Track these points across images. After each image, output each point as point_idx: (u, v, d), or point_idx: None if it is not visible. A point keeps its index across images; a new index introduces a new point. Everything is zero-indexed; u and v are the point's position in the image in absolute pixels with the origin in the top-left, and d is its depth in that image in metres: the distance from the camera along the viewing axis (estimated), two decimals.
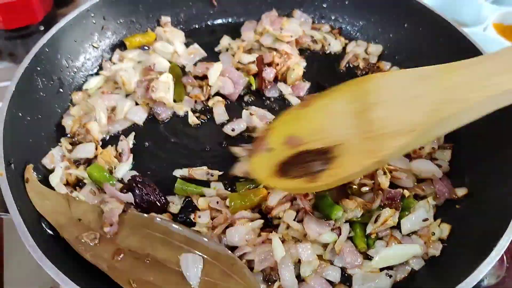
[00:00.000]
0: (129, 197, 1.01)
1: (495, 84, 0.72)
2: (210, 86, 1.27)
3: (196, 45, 1.39)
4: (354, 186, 1.04)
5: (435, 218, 1.04)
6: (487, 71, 0.74)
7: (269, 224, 1.02)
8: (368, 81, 0.81)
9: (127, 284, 0.89)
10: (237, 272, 0.92)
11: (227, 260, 0.93)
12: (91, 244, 0.93)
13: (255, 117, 1.20)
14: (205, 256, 0.93)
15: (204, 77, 1.29)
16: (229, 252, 0.95)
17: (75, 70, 1.26)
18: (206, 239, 0.96)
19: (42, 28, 1.82)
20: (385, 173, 1.05)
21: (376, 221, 0.99)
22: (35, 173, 1.01)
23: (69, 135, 1.15)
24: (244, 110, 1.24)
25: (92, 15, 1.29)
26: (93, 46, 1.32)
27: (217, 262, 0.93)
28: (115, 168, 1.10)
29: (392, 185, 1.06)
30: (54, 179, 1.04)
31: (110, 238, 0.95)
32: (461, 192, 1.07)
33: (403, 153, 0.90)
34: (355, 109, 0.78)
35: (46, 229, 0.92)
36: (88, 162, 1.10)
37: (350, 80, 0.85)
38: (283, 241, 0.96)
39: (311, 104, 0.86)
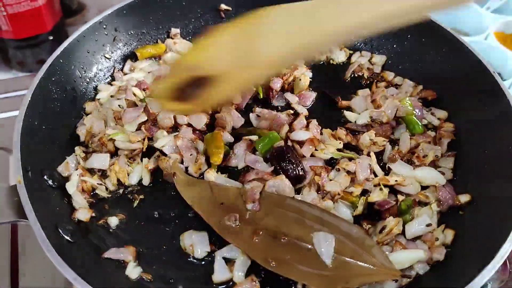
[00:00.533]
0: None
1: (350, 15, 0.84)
2: None
3: None
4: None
5: (439, 224, 1.06)
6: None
7: None
8: (255, 17, 0.91)
9: (266, 262, 0.95)
10: (368, 250, 0.96)
11: (357, 238, 0.97)
12: (232, 225, 1.00)
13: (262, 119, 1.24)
14: (336, 235, 0.97)
15: None
16: (360, 230, 0.99)
17: (88, 80, 1.29)
18: (335, 217, 1.01)
19: (51, 37, 1.85)
20: (381, 189, 1.09)
21: (381, 231, 1.02)
22: (50, 180, 1.05)
23: (83, 143, 1.18)
24: (251, 113, 1.27)
25: (104, 26, 1.32)
26: (105, 57, 1.35)
27: (347, 240, 0.97)
28: (128, 175, 1.13)
29: (396, 191, 1.10)
30: (71, 188, 1.07)
31: (248, 219, 1.02)
32: (464, 198, 1.08)
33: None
34: (241, 41, 0.88)
35: (63, 235, 0.95)
36: (103, 171, 1.13)
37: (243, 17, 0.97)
38: None
39: (209, 36, 0.93)
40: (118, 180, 1.12)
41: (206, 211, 1.03)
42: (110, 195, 1.11)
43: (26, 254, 1.13)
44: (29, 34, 1.79)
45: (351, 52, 1.47)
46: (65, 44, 1.22)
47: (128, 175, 1.13)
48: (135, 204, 1.10)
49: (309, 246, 0.97)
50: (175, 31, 1.45)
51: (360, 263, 0.95)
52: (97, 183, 1.10)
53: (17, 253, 1.13)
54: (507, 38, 1.92)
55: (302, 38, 0.85)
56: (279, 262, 0.94)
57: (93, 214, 1.06)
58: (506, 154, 1.06)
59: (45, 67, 1.15)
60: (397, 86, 1.38)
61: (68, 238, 0.96)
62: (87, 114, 1.24)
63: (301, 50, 0.88)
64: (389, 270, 0.95)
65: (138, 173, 1.14)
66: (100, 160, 1.13)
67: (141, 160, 1.16)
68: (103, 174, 1.13)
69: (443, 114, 1.27)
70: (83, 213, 1.05)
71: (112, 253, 0.99)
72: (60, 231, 0.95)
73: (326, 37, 0.85)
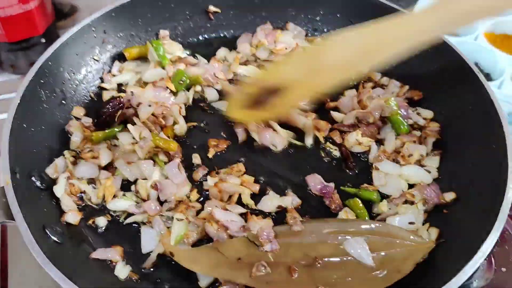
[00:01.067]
0: None
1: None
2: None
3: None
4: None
5: (423, 223, 1.07)
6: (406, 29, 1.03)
7: None
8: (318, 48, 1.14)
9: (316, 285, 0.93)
10: (395, 235, 1.00)
11: (380, 231, 1.01)
12: (263, 274, 0.94)
13: None
14: (363, 236, 0.99)
15: None
16: (377, 222, 1.03)
17: (77, 82, 1.30)
18: (349, 221, 1.05)
19: (43, 40, 1.85)
20: None
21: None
22: (38, 181, 1.06)
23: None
24: None
25: (93, 29, 1.33)
26: (94, 59, 1.36)
27: (375, 236, 1.00)
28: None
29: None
30: (58, 191, 1.07)
31: (274, 261, 0.96)
32: (449, 197, 1.10)
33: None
34: (308, 58, 1.09)
35: (51, 236, 0.96)
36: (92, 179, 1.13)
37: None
38: None
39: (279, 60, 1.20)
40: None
41: (230, 274, 0.95)
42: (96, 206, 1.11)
43: (15, 255, 1.14)
44: (22, 37, 1.79)
45: None
46: (54, 47, 1.22)
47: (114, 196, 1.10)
48: None
49: (347, 258, 0.97)
50: (164, 33, 1.46)
51: (399, 249, 0.98)
52: (84, 189, 1.10)
53: (6, 254, 1.14)
54: (497, 38, 1.93)
55: (361, 57, 1.02)
56: (330, 285, 0.93)
57: (82, 216, 1.07)
58: (490, 153, 1.08)
59: (34, 69, 1.16)
60: (383, 86, 1.39)
61: (55, 239, 0.96)
62: (76, 119, 1.24)
63: (359, 65, 1.06)
64: (424, 243, 1.00)
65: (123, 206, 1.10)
66: (89, 171, 1.12)
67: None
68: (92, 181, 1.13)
69: (429, 113, 1.29)
70: (73, 216, 1.05)
71: (99, 254, 1.00)
72: (48, 232, 0.96)
73: (379, 57, 1.02)
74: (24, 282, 1.10)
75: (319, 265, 0.96)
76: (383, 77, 1.41)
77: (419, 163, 1.18)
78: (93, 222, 1.06)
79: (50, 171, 1.10)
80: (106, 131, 1.17)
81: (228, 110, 1.21)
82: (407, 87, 1.36)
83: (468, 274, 0.87)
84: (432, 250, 1.01)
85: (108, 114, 1.19)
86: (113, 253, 1.00)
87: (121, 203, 1.09)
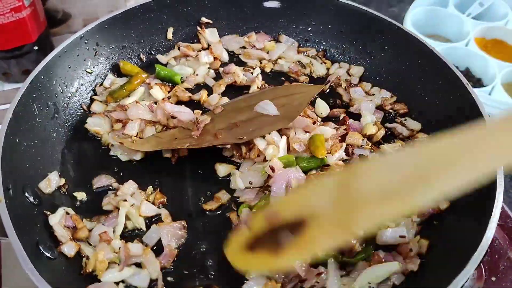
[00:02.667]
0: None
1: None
2: None
3: None
4: None
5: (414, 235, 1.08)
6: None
7: None
8: (351, 171, 0.79)
9: (238, 140, 1.20)
10: (294, 90, 1.31)
11: (282, 91, 1.32)
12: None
13: None
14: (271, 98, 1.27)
15: None
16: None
17: (70, 95, 1.30)
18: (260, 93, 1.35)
19: (36, 48, 1.85)
20: None
21: None
22: (31, 197, 1.06)
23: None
24: None
25: (86, 41, 1.33)
26: (86, 71, 1.36)
27: (278, 94, 1.29)
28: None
29: None
30: (53, 219, 1.05)
31: (203, 132, 1.23)
32: (443, 205, 1.11)
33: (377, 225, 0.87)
34: (337, 186, 0.76)
35: (44, 252, 0.96)
36: None
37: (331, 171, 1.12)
38: None
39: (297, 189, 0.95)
40: None
41: (170, 145, 1.22)
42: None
43: (9, 270, 1.14)
44: (14, 45, 1.79)
45: (330, 64, 1.51)
46: (46, 60, 1.23)
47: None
48: None
49: (258, 114, 1.25)
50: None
51: (297, 96, 1.27)
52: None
53: (0, 269, 1.14)
54: (488, 43, 1.96)
55: (409, 184, 0.69)
56: (247, 134, 1.19)
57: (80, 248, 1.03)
58: None
59: (26, 83, 1.16)
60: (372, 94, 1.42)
61: (48, 255, 0.97)
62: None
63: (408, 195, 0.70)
64: (316, 86, 1.35)
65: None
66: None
67: None
68: None
69: (416, 126, 1.31)
70: (69, 247, 1.02)
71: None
72: (41, 248, 0.96)
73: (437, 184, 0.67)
74: None
75: (238, 126, 1.23)
76: (374, 87, 1.43)
77: None
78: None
79: (43, 185, 1.11)
80: None
81: (228, 255, 0.90)
82: (394, 98, 1.38)
83: (458, 285, 0.88)
84: (424, 262, 1.03)
85: None
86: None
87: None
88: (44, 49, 1.91)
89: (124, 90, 1.33)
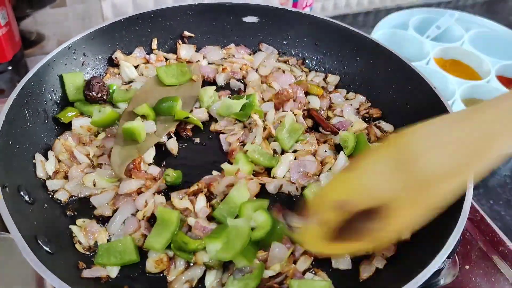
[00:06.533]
0: None
1: None
2: None
3: None
4: None
5: None
6: None
7: None
8: (403, 137, 0.82)
9: None
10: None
11: None
12: None
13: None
14: None
15: None
16: None
17: (58, 102, 1.32)
18: None
19: (10, 67, 1.87)
20: None
21: None
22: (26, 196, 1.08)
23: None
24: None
25: (74, 51, 1.37)
26: None
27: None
28: None
29: None
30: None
31: None
32: None
33: (455, 197, 0.85)
34: (397, 165, 0.78)
35: (43, 246, 0.98)
36: None
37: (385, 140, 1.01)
38: None
39: (352, 169, 0.89)
40: None
41: None
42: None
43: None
44: None
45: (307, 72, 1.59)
46: (36, 67, 1.25)
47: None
48: None
49: None
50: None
51: None
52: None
53: None
54: (446, 63, 2.10)
55: (470, 146, 0.72)
56: None
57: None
58: None
59: (17, 89, 1.18)
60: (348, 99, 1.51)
61: (47, 249, 0.98)
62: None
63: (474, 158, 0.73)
64: None
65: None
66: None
67: None
68: None
69: (389, 127, 1.40)
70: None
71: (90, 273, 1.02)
72: (40, 243, 0.98)
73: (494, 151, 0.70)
74: None
75: None
76: (349, 93, 1.52)
77: None
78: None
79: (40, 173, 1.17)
80: None
81: (306, 245, 0.97)
82: (369, 104, 1.47)
83: (435, 268, 0.94)
84: (401, 250, 1.09)
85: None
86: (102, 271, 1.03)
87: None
88: (18, 69, 1.92)
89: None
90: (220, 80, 1.51)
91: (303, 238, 0.94)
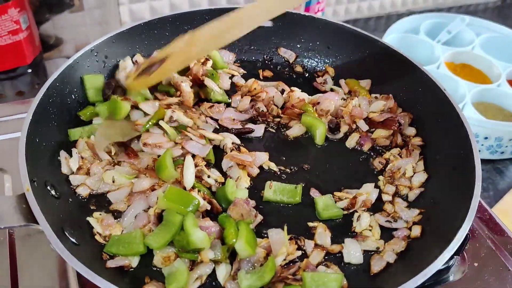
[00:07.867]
0: None
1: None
2: None
3: None
4: None
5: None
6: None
7: None
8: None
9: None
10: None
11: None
12: None
13: None
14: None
15: None
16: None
17: (81, 102, 1.38)
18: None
19: (29, 70, 1.92)
20: None
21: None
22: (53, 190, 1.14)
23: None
24: None
25: (96, 54, 1.42)
26: None
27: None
28: None
29: None
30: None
31: None
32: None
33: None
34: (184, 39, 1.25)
35: (69, 237, 1.03)
36: None
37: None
38: None
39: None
40: None
41: None
42: None
43: (23, 265, 1.18)
44: (10, 67, 1.86)
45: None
46: (61, 68, 1.30)
47: None
48: None
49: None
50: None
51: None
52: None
53: (15, 262, 1.19)
54: (457, 67, 2.13)
55: (223, 33, 1.21)
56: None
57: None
58: (460, 157, 1.23)
59: (43, 89, 1.24)
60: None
61: (73, 240, 1.03)
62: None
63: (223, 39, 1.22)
64: None
65: None
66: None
67: None
68: None
69: (411, 131, 1.43)
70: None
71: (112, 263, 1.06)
72: (66, 234, 1.03)
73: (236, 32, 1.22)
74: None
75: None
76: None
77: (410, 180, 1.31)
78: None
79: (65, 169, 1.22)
80: None
81: (127, 83, 1.36)
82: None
83: (443, 261, 0.98)
84: (411, 246, 1.14)
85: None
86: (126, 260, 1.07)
87: None
88: (37, 72, 1.98)
89: None
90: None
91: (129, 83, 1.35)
